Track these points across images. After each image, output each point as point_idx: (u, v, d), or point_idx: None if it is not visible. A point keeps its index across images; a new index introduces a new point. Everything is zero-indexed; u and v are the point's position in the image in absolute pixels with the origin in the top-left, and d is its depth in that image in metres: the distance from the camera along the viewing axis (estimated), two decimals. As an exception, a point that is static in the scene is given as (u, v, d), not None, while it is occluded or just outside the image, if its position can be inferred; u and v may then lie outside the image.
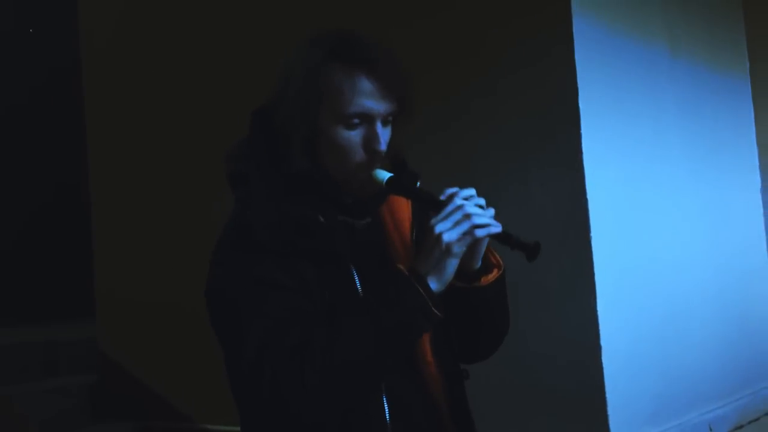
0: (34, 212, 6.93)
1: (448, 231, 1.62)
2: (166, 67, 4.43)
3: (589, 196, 3.02)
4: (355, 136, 1.70)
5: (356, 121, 1.69)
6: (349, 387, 1.60)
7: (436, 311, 1.62)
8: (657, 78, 3.55)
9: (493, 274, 1.80)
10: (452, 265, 1.64)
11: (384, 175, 1.71)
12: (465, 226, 1.62)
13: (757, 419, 3.88)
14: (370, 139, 1.70)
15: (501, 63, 3.26)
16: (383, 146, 1.71)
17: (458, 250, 1.63)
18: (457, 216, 1.62)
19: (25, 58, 7.01)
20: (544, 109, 3.12)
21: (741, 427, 3.73)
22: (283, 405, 1.56)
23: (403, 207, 1.85)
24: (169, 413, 4.33)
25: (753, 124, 4.36)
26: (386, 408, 1.68)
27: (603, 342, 3.01)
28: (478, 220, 1.62)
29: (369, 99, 1.69)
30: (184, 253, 4.30)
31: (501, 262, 1.82)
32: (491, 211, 1.67)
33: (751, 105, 4.34)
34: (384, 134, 1.72)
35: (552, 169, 3.09)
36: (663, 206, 3.50)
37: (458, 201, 1.64)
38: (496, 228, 1.64)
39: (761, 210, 4.30)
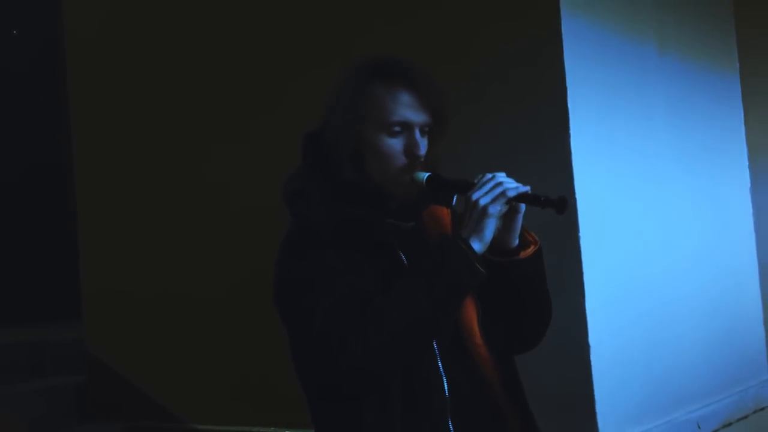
0: (21, 213, 6.90)
1: (483, 197, 1.84)
2: (150, 64, 4.41)
3: (577, 197, 3.03)
4: (396, 144, 1.93)
5: (397, 129, 1.93)
6: (407, 344, 1.82)
7: (480, 268, 1.83)
8: (646, 78, 3.55)
9: (531, 249, 1.98)
10: (490, 225, 1.85)
11: (423, 175, 1.92)
12: (497, 190, 1.84)
13: (745, 417, 3.89)
14: (410, 146, 1.93)
15: (490, 63, 3.25)
16: (422, 151, 1.94)
17: (494, 210, 1.84)
18: (489, 185, 1.85)
19: (9, 58, 6.97)
20: (534, 109, 3.12)
21: (729, 424, 3.74)
22: (351, 362, 1.77)
23: (444, 215, 2.05)
24: (156, 413, 4.32)
25: (742, 123, 4.36)
26: (445, 384, 1.88)
27: (591, 341, 3.01)
28: (507, 184, 1.85)
29: (408, 109, 1.93)
30: (171, 253, 4.29)
31: (537, 239, 2.00)
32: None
33: (741, 104, 4.35)
34: (422, 142, 1.95)
35: (541, 170, 3.08)
36: (652, 206, 3.50)
37: (489, 174, 1.87)
38: (524, 188, 1.86)
39: (751, 209, 4.31)
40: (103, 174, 4.65)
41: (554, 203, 1.84)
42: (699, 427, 3.50)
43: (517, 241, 1.97)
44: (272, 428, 3.81)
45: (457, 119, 3.27)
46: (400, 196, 1.96)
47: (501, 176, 1.87)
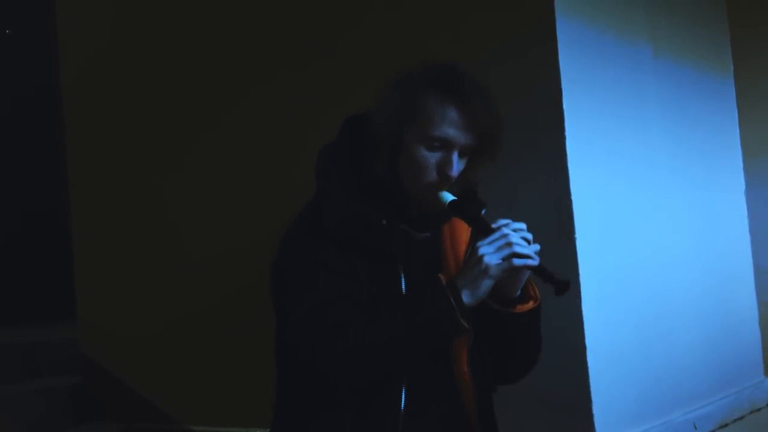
0: (14, 214, 6.89)
1: (489, 254, 1.81)
2: (145, 70, 4.41)
3: (573, 198, 3.02)
4: (431, 158, 1.91)
5: (437, 144, 1.90)
6: (373, 367, 1.83)
7: (463, 322, 1.81)
8: (641, 80, 3.55)
9: (529, 305, 1.98)
10: (486, 284, 1.83)
11: (448, 197, 1.91)
12: (505, 252, 1.81)
13: (741, 417, 3.90)
14: (445, 164, 1.90)
15: (483, 64, 3.24)
16: (454, 172, 1.91)
17: (495, 272, 1.82)
18: (501, 242, 1.82)
19: (3, 62, 6.96)
20: (528, 109, 3.12)
21: (726, 425, 3.75)
22: (314, 369, 1.80)
23: (463, 230, 2.05)
24: (152, 414, 4.31)
25: (737, 124, 4.36)
26: (403, 396, 1.89)
27: (588, 342, 3.01)
28: (519, 250, 1.81)
29: (452, 128, 1.90)
30: (165, 254, 4.29)
31: (539, 296, 2.01)
32: (535, 247, 1.87)
33: (735, 106, 4.35)
34: (458, 163, 1.92)
35: (536, 171, 3.08)
36: (647, 207, 3.50)
37: (505, 230, 1.83)
38: (534, 261, 1.83)
39: (745, 211, 4.31)
40: (97, 174, 4.64)
41: (556, 283, 1.82)
42: (695, 428, 3.50)
43: (519, 293, 1.97)
44: (269, 430, 3.79)
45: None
46: (422, 207, 1.96)
47: (514, 237, 1.83)
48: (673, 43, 3.82)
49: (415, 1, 3.44)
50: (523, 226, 1.87)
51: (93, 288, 4.64)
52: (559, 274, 1.83)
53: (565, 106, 3.04)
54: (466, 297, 1.81)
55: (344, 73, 3.61)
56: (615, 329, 3.18)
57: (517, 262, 1.81)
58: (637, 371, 3.28)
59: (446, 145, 1.90)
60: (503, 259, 1.81)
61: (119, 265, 4.49)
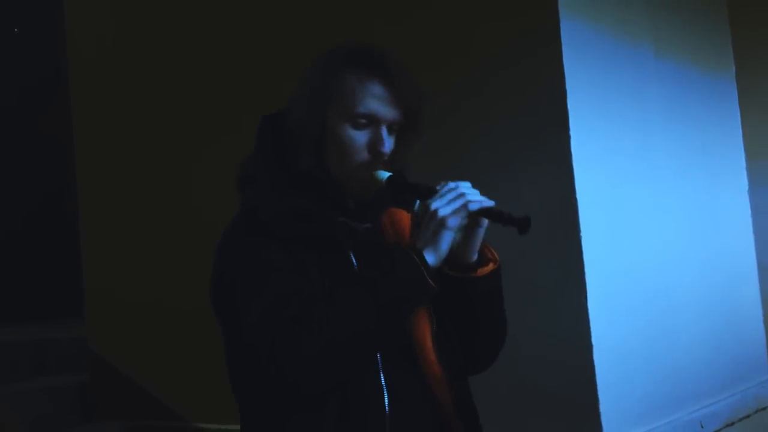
0: (23, 211, 6.91)
1: (443, 206, 1.72)
2: (153, 70, 4.43)
3: (578, 196, 3.02)
4: (360, 137, 1.81)
5: (363, 121, 1.81)
6: (346, 357, 1.68)
7: (430, 282, 1.70)
8: (643, 79, 3.55)
9: (489, 267, 1.86)
10: (447, 238, 1.73)
11: (384, 174, 1.81)
12: (459, 202, 1.72)
13: (747, 416, 3.90)
14: (375, 141, 1.81)
15: (489, 63, 3.25)
16: (387, 149, 1.82)
17: (453, 224, 1.72)
18: (452, 195, 1.73)
19: (11, 58, 6.97)
20: (533, 109, 3.13)
21: (732, 424, 3.75)
22: (280, 373, 1.62)
23: (404, 218, 1.91)
24: (160, 412, 4.32)
25: (739, 125, 4.36)
26: (386, 397, 1.75)
27: (594, 341, 3.01)
28: (471, 197, 1.73)
29: (378, 102, 1.81)
30: (173, 251, 4.30)
31: (497, 257, 1.89)
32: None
33: (738, 106, 4.35)
34: (388, 140, 1.83)
35: (541, 169, 3.09)
36: (652, 206, 3.50)
37: (452, 184, 1.75)
38: (488, 202, 1.74)
39: (749, 210, 4.31)
40: (105, 173, 4.66)
41: (517, 222, 1.70)
42: (702, 427, 3.50)
43: (476, 257, 1.85)
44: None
45: (457, 121, 3.31)
46: (357, 193, 1.85)
47: (465, 187, 1.75)
48: (674, 44, 3.82)
49: (424, 8, 3.44)
50: (467, 184, 1.76)
51: (101, 286, 4.65)
52: (515, 212, 1.72)
53: (569, 106, 3.04)
54: (429, 256, 1.71)
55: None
56: (621, 328, 3.18)
57: (472, 207, 1.72)
58: (643, 370, 3.29)
59: (373, 121, 1.81)
60: (458, 208, 1.72)
61: (127, 263, 4.51)
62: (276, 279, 1.71)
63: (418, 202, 1.86)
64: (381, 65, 1.82)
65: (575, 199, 3.02)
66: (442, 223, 1.72)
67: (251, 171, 1.88)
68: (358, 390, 1.73)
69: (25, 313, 6.26)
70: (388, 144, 1.83)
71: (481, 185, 1.78)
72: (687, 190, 3.79)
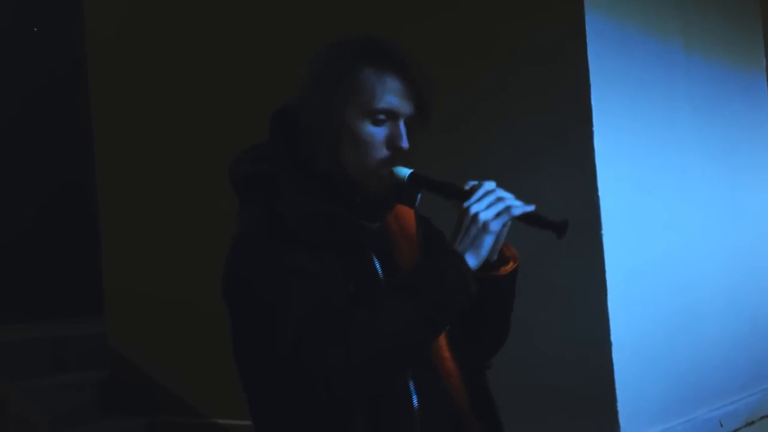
0: (43, 208, 6.95)
1: (483, 211, 1.68)
2: (172, 64, 4.44)
3: (600, 195, 3.02)
4: (379, 133, 1.77)
5: (382, 117, 1.76)
6: (390, 365, 1.66)
7: (473, 288, 1.68)
8: (671, 76, 3.53)
9: (510, 266, 1.86)
10: (488, 242, 1.70)
11: (405, 171, 1.77)
12: (500, 206, 1.69)
13: (767, 416, 3.88)
14: (395, 137, 1.77)
15: (512, 61, 3.25)
16: (406, 144, 1.77)
17: (495, 228, 1.69)
18: (491, 198, 1.70)
19: (31, 56, 7.02)
20: (556, 107, 3.12)
21: (752, 423, 3.73)
22: (330, 383, 1.58)
23: (408, 216, 1.92)
24: (179, 408, 4.34)
25: (768, 122, 4.35)
26: (414, 396, 1.74)
27: (613, 338, 3.01)
28: (511, 201, 1.70)
29: (396, 97, 1.76)
30: (193, 248, 4.31)
31: (517, 255, 1.88)
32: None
33: (767, 103, 4.32)
34: (406, 134, 1.78)
35: (564, 168, 3.08)
36: (675, 204, 3.49)
37: (488, 186, 1.71)
38: (530, 207, 1.71)
39: (774, 208, 4.29)
40: (125, 170, 4.68)
41: (555, 226, 1.70)
42: (721, 425, 3.49)
43: (496, 256, 1.84)
44: None
45: (478, 119, 3.31)
46: (374, 190, 1.80)
47: (500, 190, 1.72)
48: (704, 39, 3.79)
49: (449, 6, 3.43)
50: (493, 183, 1.73)
51: (121, 283, 4.67)
52: (552, 216, 1.71)
53: (593, 103, 3.04)
54: (470, 260, 1.68)
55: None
56: (641, 326, 3.18)
57: (515, 211, 1.69)
58: (662, 368, 3.28)
59: (392, 116, 1.77)
60: (499, 212, 1.69)
61: (147, 259, 4.53)
62: (311, 287, 1.66)
63: (419, 197, 1.87)
64: (395, 58, 1.78)
65: (597, 198, 3.01)
66: (485, 228, 1.69)
67: (261, 169, 1.81)
68: (387, 392, 1.71)
69: (45, 310, 6.29)
70: (407, 139, 1.79)
71: (502, 184, 1.77)
72: (712, 188, 3.78)
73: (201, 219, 4.28)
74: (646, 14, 3.43)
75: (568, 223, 1.70)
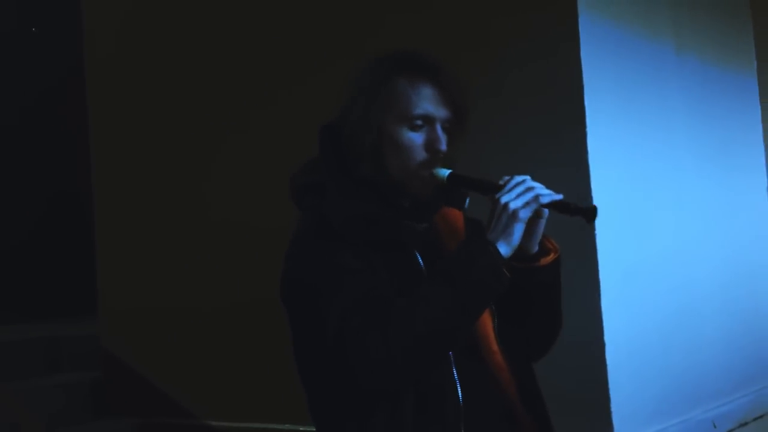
0: (38, 210, 6.94)
1: (513, 200, 1.79)
2: (170, 68, 4.44)
3: (594, 194, 3.02)
4: (417, 138, 1.89)
5: (419, 122, 1.89)
6: (429, 351, 1.75)
7: (506, 273, 1.77)
8: (664, 76, 3.54)
9: (551, 257, 1.95)
10: (519, 230, 1.79)
11: (444, 171, 1.89)
12: (529, 195, 1.79)
13: (761, 416, 3.88)
14: (432, 140, 1.89)
15: (506, 61, 3.25)
16: (444, 146, 1.89)
17: (524, 215, 1.79)
18: (520, 188, 1.80)
19: (29, 58, 7.01)
20: (550, 107, 3.12)
21: (746, 424, 3.73)
22: (369, 368, 1.70)
23: (456, 219, 2.02)
24: (172, 409, 4.33)
25: (760, 122, 4.35)
26: (458, 388, 1.82)
27: (607, 339, 3.01)
28: (539, 189, 1.80)
29: (431, 103, 1.90)
30: (186, 250, 4.31)
31: (557, 247, 1.97)
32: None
33: (758, 104, 4.33)
34: (443, 138, 1.90)
35: (557, 168, 3.06)
36: (668, 203, 3.49)
37: (519, 178, 1.82)
38: (558, 195, 1.81)
39: (767, 208, 4.29)
40: (120, 171, 4.67)
41: (584, 212, 1.80)
42: (715, 426, 3.49)
43: (536, 248, 1.94)
44: (287, 425, 3.81)
45: (473, 115, 3.30)
46: (417, 192, 1.93)
47: (530, 180, 1.82)
48: (696, 41, 3.80)
49: (439, 3, 3.43)
50: (526, 177, 1.84)
51: (115, 283, 4.67)
52: (581, 203, 1.82)
53: (586, 103, 3.04)
54: (502, 248, 1.78)
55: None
56: (634, 326, 3.17)
57: (543, 199, 1.79)
58: (656, 368, 3.28)
59: (428, 121, 1.90)
60: (528, 201, 1.79)
61: (141, 261, 4.52)
62: (353, 282, 1.78)
63: (468, 200, 2.00)
64: (429, 67, 1.92)
65: (590, 196, 3.01)
66: (514, 216, 1.78)
67: (313, 179, 1.95)
68: (433, 382, 1.81)
69: (39, 311, 6.29)
70: (444, 142, 1.90)
71: (495, 184, 1.80)
72: (705, 187, 3.78)
73: (195, 222, 4.28)
74: (639, 15, 3.44)
75: (596, 209, 1.79)
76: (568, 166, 3.06)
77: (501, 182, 1.84)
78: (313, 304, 1.80)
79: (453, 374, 1.83)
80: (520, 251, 1.87)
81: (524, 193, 1.79)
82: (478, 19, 3.32)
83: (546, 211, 1.85)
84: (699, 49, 3.81)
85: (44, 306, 6.40)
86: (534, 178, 1.88)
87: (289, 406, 3.83)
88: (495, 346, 1.92)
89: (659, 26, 3.56)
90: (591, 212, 1.79)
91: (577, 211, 1.80)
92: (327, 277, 1.79)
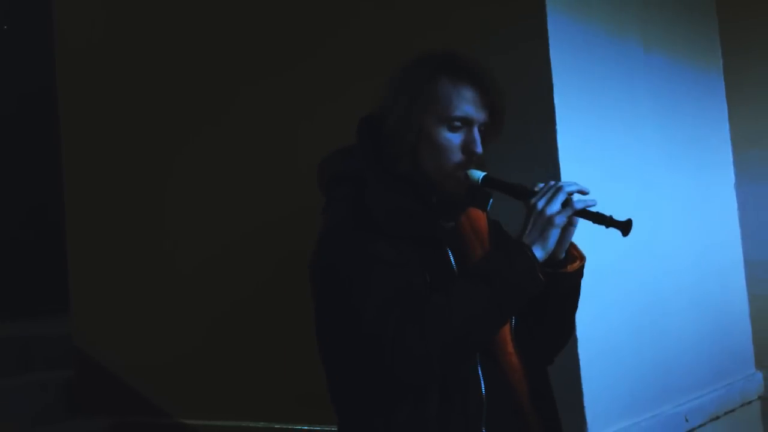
0: (9, 209, 6.89)
1: (549, 205, 1.84)
2: (138, 71, 4.43)
3: (564, 192, 3.02)
4: (455, 139, 1.94)
5: (458, 124, 1.94)
6: (463, 345, 1.79)
7: (540, 276, 1.82)
8: (631, 74, 3.56)
9: (577, 264, 2.01)
10: (554, 235, 1.85)
11: (479, 174, 1.93)
12: (563, 199, 1.85)
13: (732, 410, 3.91)
14: (469, 142, 1.94)
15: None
16: (480, 149, 1.94)
17: (560, 221, 1.85)
18: (556, 194, 1.85)
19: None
20: (520, 104, 3.11)
21: (717, 418, 3.76)
22: (405, 362, 1.74)
23: (481, 218, 2.05)
24: (145, 408, 4.32)
25: (727, 119, 4.38)
26: (482, 382, 1.87)
27: (579, 334, 3.02)
28: (574, 196, 1.87)
29: (470, 106, 1.94)
30: (158, 248, 4.29)
31: (583, 255, 2.03)
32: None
33: (725, 100, 4.37)
34: (479, 140, 1.95)
35: (528, 164, 3.08)
36: (638, 201, 3.51)
37: (553, 184, 1.88)
38: (592, 201, 1.88)
39: (735, 204, 4.33)
40: (91, 169, 4.64)
41: (620, 225, 1.85)
42: (687, 421, 3.52)
43: (564, 254, 1.98)
44: (262, 423, 3.81)
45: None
46: (450, 191, 1.96)
47: (565, 185, 1.87)
48: (664, 39, 3.82)
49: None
50: (560, 183, 1.89)
51: (87, 283, 4.64)
52: (617, 216, 1.86)
53: (555, 101, 3.04)
54: (537, 252, 1.83)
55: (337, 70, 3.61)
56: (606, 322, 3.19)
57: (578, 205, 1.85)
58: (628, 364, 3.29)
59: (467, 123, 1.94)
60: (564, 206, 1.84)
61: (113, 260, 4.50)
62: (392, 273, 1.81)
63: (491, 201, 2.05)
64: (471, 70, 1.96)
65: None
66: (550, 221, 1.83)
67: (354, 168, 1.98)
68: (458, 376, 1.85)
69: (10, 310, 6.25)
70: (480, 144, 1.94)
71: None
72: (675, 184, 3.80)
73: (166, 219, 4.26)
74: (608, 15, 3.45)
75: (632, 222, 1.85)
76: (539, 164, 3.07)
77: (536, 188, 1.89)
78: (348, 294, 1.82)
79: (477, 369, 1.87)
80: (548, 257, 1.91)
81: (559, 199, 1.85)
82: (443, 16, 3.32)
83: (577, 219, 1.91)
84: (666, 46, 3.83)
85: (16, 305, 6.36)
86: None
87: (264, 404, 3.83)
88: (510, 348, 1.96)
89: (627, 24, 3.58)
90: (627, 226, 1.85)
91: (612, 223, 1.86)
92: (365, 267, 1.82)
